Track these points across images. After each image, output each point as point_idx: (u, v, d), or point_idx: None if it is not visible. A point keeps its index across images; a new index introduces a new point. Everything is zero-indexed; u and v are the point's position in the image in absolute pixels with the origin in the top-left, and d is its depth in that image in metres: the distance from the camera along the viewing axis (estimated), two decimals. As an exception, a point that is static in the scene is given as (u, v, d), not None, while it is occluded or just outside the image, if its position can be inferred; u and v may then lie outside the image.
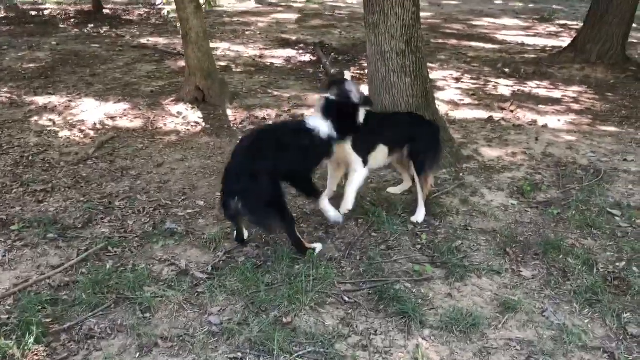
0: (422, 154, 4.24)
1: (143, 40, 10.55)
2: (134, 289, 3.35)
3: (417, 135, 4.26)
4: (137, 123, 6.26)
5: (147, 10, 13.73)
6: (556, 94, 7.70)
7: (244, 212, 3.52)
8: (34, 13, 13.31)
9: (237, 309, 3.21)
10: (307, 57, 9.45)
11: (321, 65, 8.76)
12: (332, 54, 9.54)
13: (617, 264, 3.70)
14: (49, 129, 6.05)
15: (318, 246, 3.77)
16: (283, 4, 15.78)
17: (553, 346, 2.99)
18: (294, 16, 13.64)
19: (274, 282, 3.44)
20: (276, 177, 3.56)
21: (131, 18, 13.01)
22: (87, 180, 4.88)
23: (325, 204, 3.92)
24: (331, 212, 3.91)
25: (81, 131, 6.00)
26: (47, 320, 3.08)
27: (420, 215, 4.28)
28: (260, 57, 9.47)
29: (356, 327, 3.10)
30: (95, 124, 6.20)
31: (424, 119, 4.60)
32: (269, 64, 9.03)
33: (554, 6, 16.44)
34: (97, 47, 9.93)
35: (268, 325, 3.05)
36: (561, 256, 3.77)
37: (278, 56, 9.53)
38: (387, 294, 3.33)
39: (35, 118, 6.36)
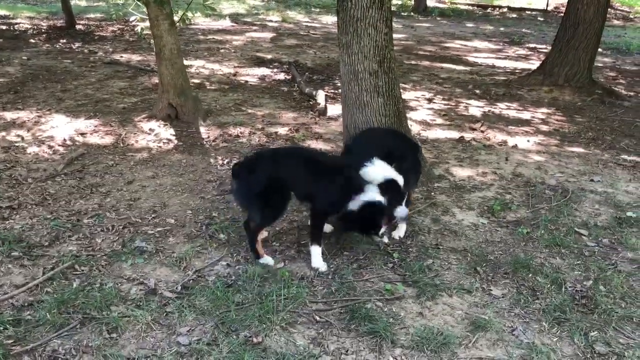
0: (405, 172, 4.26)
1: (116, 57, 10.46)
2: (101, 308, 3.28)
3: (403, 154, 4.31)
4: (108, 140, 6.18)
5: (120, 26, 13.64)
6: (525, 115, 7.86)
7: (236, 186, 3.87)
8: (4, 27, 13.11)
9: (206, 329, 3.16)
10: (282, 76, 9.48)
11: (295, 84, 8.80)
12: (307, 73, 9.62)
13: (585, 283, 3.76)
14: (17, 144, 5.93)
15: (268, 260, 3.84)
16: (258, 22, 15.86)
17: (522, 365, 3.01)
18: (269, 35, 13.71)
19: (245, 301, 3.40)
20: (283, 184, 3.78)
21: (104, 34, 12.90)
22: (55, 197, 4.79)
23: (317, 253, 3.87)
24: (319, 263, 3.84)
25: (50, 147, 5.89)
26: (9, 341, 2.99)
27: (402, 230, 4.30)
28: (235, 75, 9.47)
29: (327, 346, 3.08)
30: (65, 140, 6.10)
31: (406, 137, 4.66)
32: (243, 81, 9.03)
33: (524, 30, 16.89)
34: (69, 63, 9.81)
35: (238, 345, 3.01)
36: (530, 275, 3.82)
37: (252, 74, 9.54)
38: (358, 313, 3.32)
39: (3, 133, 6.22)
